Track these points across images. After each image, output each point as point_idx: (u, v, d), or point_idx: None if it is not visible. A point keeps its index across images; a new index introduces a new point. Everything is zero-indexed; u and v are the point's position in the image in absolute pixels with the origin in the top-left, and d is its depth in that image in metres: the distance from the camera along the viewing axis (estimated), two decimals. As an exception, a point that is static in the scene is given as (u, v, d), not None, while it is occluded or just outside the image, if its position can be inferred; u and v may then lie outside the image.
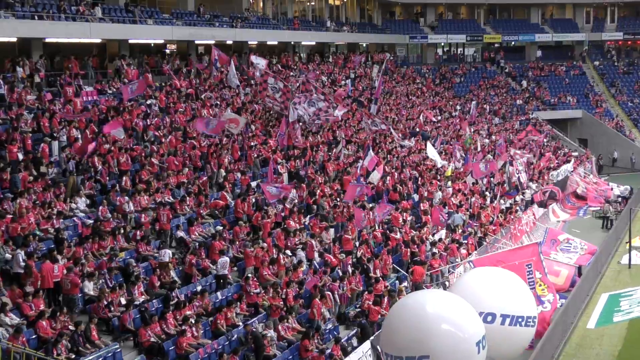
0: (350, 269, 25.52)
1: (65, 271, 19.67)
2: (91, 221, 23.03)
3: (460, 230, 33.03)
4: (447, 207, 34.54)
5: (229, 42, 46.63)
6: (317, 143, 37.34)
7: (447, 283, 27.09)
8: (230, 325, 20.86)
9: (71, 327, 18.27)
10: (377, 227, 30.06)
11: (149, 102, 32.92)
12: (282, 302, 22.30)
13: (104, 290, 19.88)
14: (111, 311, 19.69)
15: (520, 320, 19.19)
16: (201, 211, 26.29)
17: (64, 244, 20.89)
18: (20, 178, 22.84)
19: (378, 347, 21.16)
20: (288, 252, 25.28)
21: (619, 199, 47.29)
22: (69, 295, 19.66)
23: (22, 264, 19.39)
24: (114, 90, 33.29)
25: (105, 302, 19.62)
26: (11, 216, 20.92)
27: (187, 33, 42.62)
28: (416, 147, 44.84)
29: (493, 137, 54.68)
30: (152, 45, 42.67)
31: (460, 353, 16.57)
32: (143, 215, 24.36)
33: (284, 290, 22.75)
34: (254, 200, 28.20)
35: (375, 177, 33.71)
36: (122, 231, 23.12)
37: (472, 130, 54.28)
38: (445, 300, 17.97)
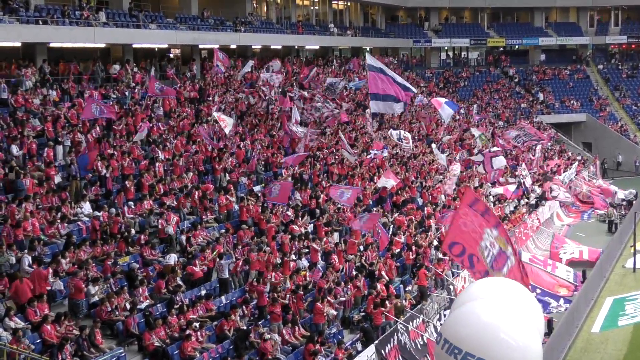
0: (354, 273, 25.50)
1: (51, 278, 19.69)
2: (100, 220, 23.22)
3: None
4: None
5: (233, 46, 46.67)
6: (323, 146, 37.45)
7: (451, 287, 27.08)
8: (235, 330, 20.84)
9: (76, 332, 18.28)
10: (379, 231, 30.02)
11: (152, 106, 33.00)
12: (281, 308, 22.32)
13: (110, 295, 19.91)
14: (116, 315, 19.71)
15: None
16: (204, 217, 26.38)
17: (69, 248, 20.93)
18: (24, 182, 22.93)
19: (382, 351, 21.17)
20: (293, 256, 25.26)
21: (624, 203, 47.23)
22: (73, 299, 19.69)
23: (29, 269, 19.43)
24: (118, 95, 33.32)
25: (110, 307, 19.64)
26: (15, 220, 20.98)
27: (190, 37, 42.67)
28: (420, 150, 44.82)
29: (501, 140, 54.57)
30: (156, 49, 42.71)
31: None
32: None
33: (288, 295, 22.75)
34: (257, 202, 28.29)
35: (389, 183, 33.56)
36: (126, 235, 23.18)
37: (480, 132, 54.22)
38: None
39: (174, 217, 24.78)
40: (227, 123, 31.30)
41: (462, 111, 62.17)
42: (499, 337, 16.26)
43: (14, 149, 24.74)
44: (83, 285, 19.68)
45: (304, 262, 25.36)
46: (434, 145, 43.12)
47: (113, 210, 23.98)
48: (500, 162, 41.79)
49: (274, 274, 23.50)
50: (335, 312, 23.12)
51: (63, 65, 33.88)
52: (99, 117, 28.33)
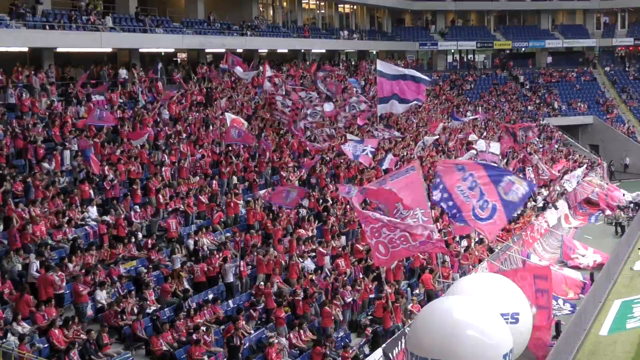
0: (361, 276, 25.49)
1: (58, 280, 19.67)
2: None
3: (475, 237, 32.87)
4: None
5: (239, 50, 46.73)
6: (329, 148, 37.43)
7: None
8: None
9: (83, 336, 18.30)
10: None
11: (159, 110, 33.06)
12: (289, 311, 22.35)
13: (119, 299, 19.95)
14: (123, 319, 19.73)
15: None
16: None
17: (77, 252, 20.97)
18: (33, 185, 23.05)
19: (390, 354, 21.12)
20: (300, 259, 25.24)
21: (631, 205, 47.09)
22: (77, 303, 19.74)
23: (36, 274, 19.47)
24: (124, 99, 33.39)
25: (119, 309, 19.68)
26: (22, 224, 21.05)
27: (197, 42, 42.75)
28: (427, 153, 44.74)
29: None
30: (163, 54, 42.80)
31: None
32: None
33: (299, 297, 22.79)
34: (262, 205, 28.32)
35: None
36: (133, 239, 23.23)
37: (482, 135, 54.19)
38: (475, 309, 17.57)
39: (172, 221, 24.88)
40: (243, 124, 31.50)
41: (468, 113, 62.14)
42: (467, 335, 16.18)
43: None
44: (81, 289, 19.67)
45: (310, 265, 25.35)
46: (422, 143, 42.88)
47: (119, 212, 24.05)
48: (495, 148, 41.93)
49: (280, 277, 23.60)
50: (341, 318, 23.15)
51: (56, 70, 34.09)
52: (102, 124, 28.31)
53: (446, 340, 16.20)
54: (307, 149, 35.42)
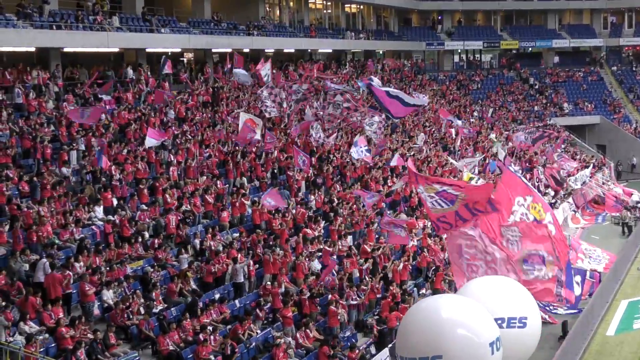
0: (367, 277, 25.48)
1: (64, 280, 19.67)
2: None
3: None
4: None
5: (246, 50, 46.76)
6: (337, 147, 37.41)
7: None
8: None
9: (90, 335, 18.33)
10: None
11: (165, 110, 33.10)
12: (295, 311, 22.36)
13: (125, 299, 19.98)
14: (130, 319, 19.75)
15: None
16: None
17: (83, 252, 21.00)
18: (40, 185, 23.11)
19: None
20: (306, 259, 25.24)
21: (638, 205, 46.94)
22: (83, 303, 19.79)
23: (48, 270, 19.47)
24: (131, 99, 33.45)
25: (124, 306, 19.72)
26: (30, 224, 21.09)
27: (204, 41, 42.78)
28: (434, 153, 44.69)
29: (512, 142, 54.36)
30: (170, 53, 42.84)
31: (474, 353, 16.34)
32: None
33: (305, 297, 22.80)
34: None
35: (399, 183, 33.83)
36: (140, 239, 23.25)
37: (494, 134, 54.17)
38: (458, 303, 17.74)
39: (172, 217, 24.88)
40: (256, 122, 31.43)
41: (475, 114, 62.11)
42: (457, 334, 16.24)
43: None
44: (87, 288, 19.71)
45: (317, 265, 25.37)
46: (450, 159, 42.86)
47: (124, 212, 24.07)
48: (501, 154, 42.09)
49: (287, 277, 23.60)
50: (346, 317, 23.17)
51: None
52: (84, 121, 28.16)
53: (432, 337, 16.28)
54: (313, 148, 35.40)
